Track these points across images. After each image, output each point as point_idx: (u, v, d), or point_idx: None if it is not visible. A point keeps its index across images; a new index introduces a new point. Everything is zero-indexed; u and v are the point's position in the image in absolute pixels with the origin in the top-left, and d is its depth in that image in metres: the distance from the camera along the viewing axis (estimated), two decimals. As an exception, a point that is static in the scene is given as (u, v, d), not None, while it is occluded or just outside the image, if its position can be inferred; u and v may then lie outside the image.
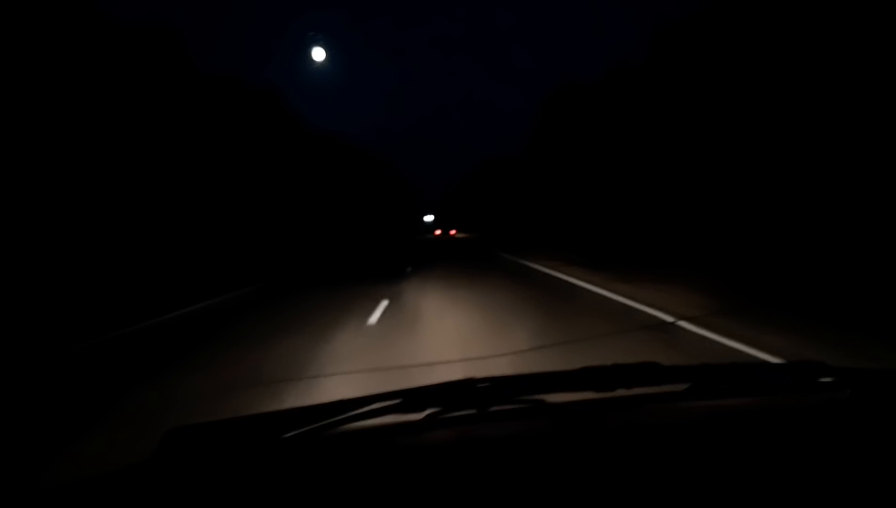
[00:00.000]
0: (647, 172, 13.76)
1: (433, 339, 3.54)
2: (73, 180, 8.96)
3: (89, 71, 9.73)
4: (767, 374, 0.72)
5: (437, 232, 49.65)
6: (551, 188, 23.69)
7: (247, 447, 0.61)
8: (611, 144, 16.26)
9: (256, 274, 10.17)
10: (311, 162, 22.98)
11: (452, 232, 48.72)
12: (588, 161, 18.30)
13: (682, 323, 3.57)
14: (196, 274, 9.53)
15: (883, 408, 0.62)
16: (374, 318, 4.50)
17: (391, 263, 12.51)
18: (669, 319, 3.74)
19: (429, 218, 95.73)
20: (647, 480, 0.51)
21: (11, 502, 0.53)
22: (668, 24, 12.50)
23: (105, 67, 10.18)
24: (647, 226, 13.44)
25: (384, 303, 5.35)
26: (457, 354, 3.05)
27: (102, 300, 6.78)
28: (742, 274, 6.09)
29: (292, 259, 14.11)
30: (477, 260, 12.15)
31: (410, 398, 0.64)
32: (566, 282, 6.59)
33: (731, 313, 3.78)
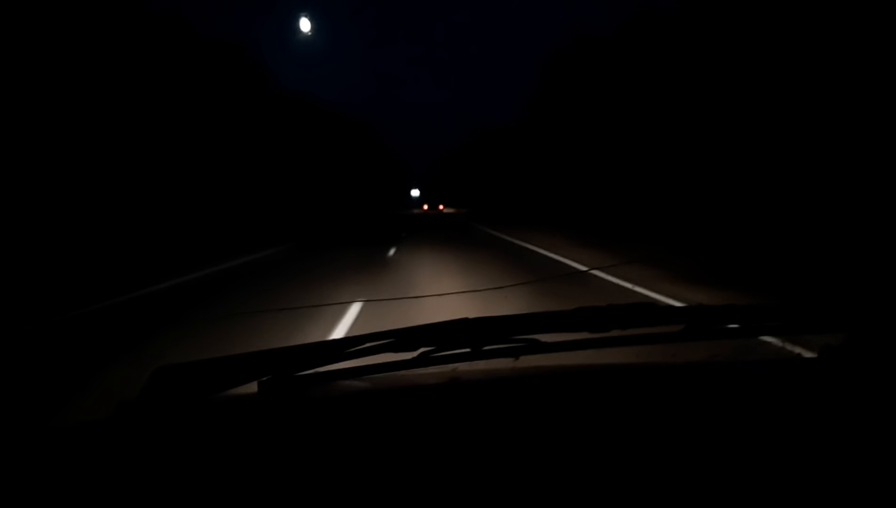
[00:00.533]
0: (663, 144, 13.08)
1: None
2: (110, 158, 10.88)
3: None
4: (764, 315, 0.74)
5: (425, 207, 48.63)
6: (550, 160, 23.43)
7: (237, 386, 0.61)
8: (624, 111, 15.27)
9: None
10: (276, 126, 21.89)
11: (440, 207, 47.79)
12: (597, 128, 17.25)
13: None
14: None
15: (879, 356, 0.64)
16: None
17: (368, 238, 12.39)
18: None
19: (415, 193, 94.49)
20: (637, 417, 0.54)
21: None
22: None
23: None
24: (650, 202, 13.26)
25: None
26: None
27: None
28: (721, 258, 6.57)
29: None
30: (459, 239, 11.82)
31: (403, 337, 0.65)
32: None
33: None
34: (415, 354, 0.66)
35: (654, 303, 0.70)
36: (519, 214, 24.90)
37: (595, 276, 5.28)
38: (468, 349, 0.66)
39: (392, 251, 8.68)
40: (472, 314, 0.68)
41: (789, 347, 1.36)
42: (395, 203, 69.84)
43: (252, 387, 0.62)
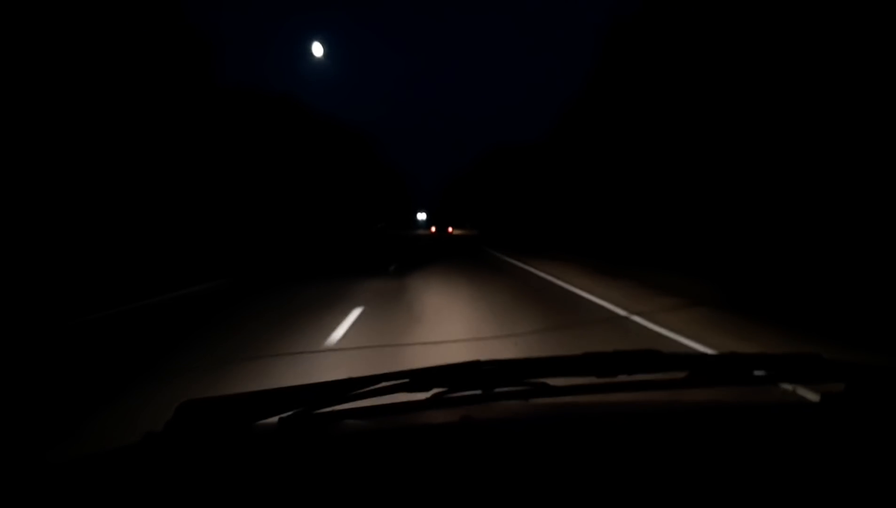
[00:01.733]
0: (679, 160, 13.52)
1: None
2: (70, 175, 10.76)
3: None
4: (765, 364, 0.82)
5: (432, 229, 49.84)
6: (573, 178, 23.48)
7: (257, 421, 0.70)
8: (649, 127, 15.31)
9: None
10: (269, 131, 22.53)
11: (450, 229, 48.81)
12: (624, 145, 17.26)
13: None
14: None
15: (877, 404, 0.72)
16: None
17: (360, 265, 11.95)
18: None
19: (422, 216, 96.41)
20: (646, 464, 0.60)
21: (19, 478, 0.60)
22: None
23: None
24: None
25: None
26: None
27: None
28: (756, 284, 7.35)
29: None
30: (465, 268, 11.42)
31: (417, 377, 0.74)
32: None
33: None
34: (428, 395, 0.77)
35: (659, 350, 0.80)
36: (534, 237, 25.76)
37: (637, 323, 4.99)
38: (480, 392, 0.77)
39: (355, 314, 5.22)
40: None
41: (790, 393, 1.46)
42: (399, 224, 71.48)
43: (273, 423, 0.72)
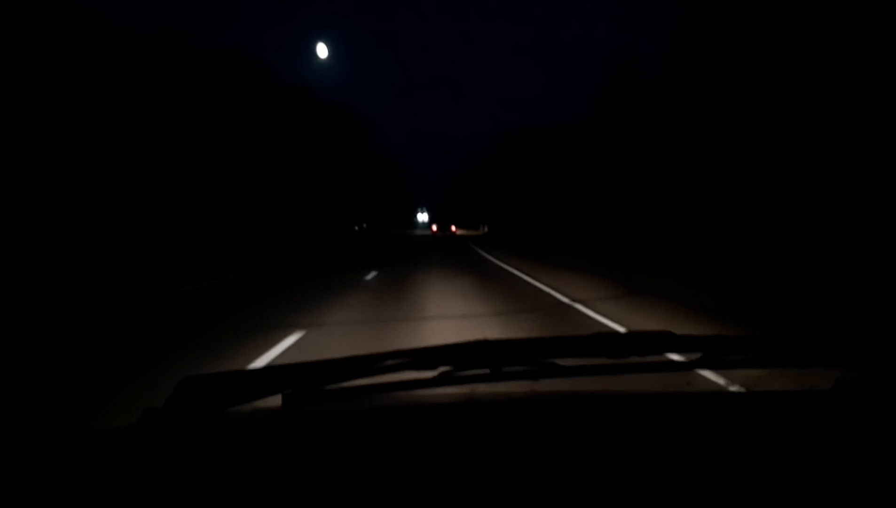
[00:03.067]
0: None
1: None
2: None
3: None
4: (778, 347, 0.90)
5: (434, 228, 51.57)
6: (607, 167, 23.66)
7: (261, 398, 0.76)
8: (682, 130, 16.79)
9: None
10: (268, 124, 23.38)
11: (453, 228, 49.69)
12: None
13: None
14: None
15: (891, 388, 0.77)
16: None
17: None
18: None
19: (422, 217, 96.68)
20: (653, 445, 0.66)
21: (16, 457, 0.67)
22: None
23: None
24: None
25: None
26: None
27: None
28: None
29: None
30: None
31: (424, 356, 0.81)
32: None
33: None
34: (435, 373, 0.83)
35: (672, 332, 0.86)
36: (548, 237, 26.54)
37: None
38: (487, 371, 0.83)
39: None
40: None
41: (803, 379, 1.60)
42: (396, 224, 71.64)
43: (276, 400, 0.78)
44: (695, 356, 0.85)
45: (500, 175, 47.16)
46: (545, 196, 33.73)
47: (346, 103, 40.70)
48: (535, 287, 8.66)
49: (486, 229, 55.32)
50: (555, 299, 7.42)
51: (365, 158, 45.61)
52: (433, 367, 0.81)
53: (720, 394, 0.88)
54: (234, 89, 21.84)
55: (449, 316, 5.96)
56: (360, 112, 47.61)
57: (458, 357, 0.83)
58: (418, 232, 61.68)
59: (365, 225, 48.36)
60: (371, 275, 10.37)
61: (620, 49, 24.73)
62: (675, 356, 0.90)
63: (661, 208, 18.26)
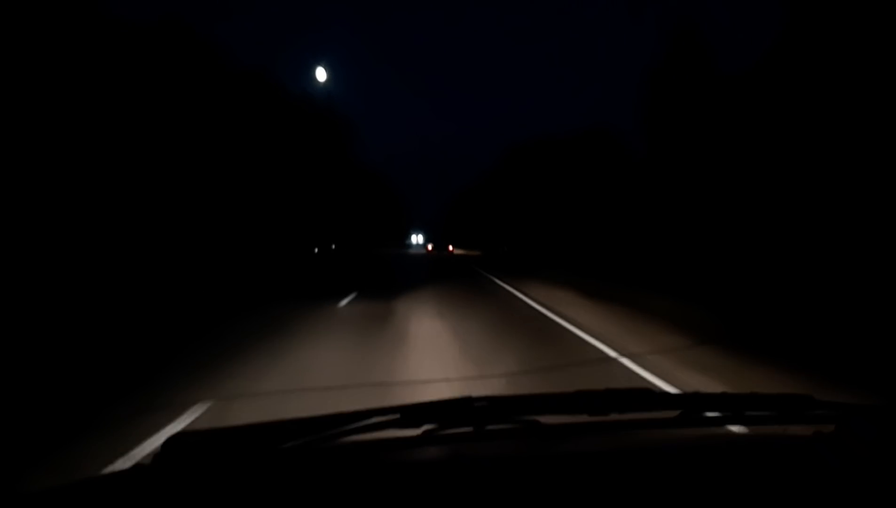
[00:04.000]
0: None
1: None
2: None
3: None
4: (756, 404, 1.02)
5: (429, 247, 55.15)
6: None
7: (246, 456, 0.88)
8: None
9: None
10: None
11: (450, 248, 51.10)
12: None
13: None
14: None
15: (868, 445, 0.89)
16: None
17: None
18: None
19: (417, 238, 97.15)
20: (639, 503, 0.76)
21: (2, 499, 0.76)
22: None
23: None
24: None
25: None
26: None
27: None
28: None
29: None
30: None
31: (408, 413, 0.92)
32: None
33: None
34: (419, 431, 0.95)
35: (651, 389, 0.99)
36: (557, 259, 27.36)
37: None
38: (471, 429, 0.96)
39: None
40: None
41: (781, 433, 1.77)
42: (386, 243, 71.95)
43: (262, 457, 0.89)
44: (673, 413, 0.98)
45: (505, 189, 47.70)
46: (559, 211, 34.11)
47: (323, 101, 37.45)
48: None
49: (478, 251, 55.53)
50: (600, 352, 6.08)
51: (346, 169, 42.80)
52: (417, 425, 0.93)
53: (698, 448, 0.99)
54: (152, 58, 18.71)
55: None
56: (344, 116, 43.82)
57: (442, 415, 0.94)
58: (411, 252, 61.90)
59: (334, 246, 42.89)
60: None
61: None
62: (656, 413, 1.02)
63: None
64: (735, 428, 1.17)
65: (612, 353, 6.02)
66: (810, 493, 0.80)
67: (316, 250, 37.08)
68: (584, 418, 0.95)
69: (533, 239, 38.59)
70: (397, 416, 0.91)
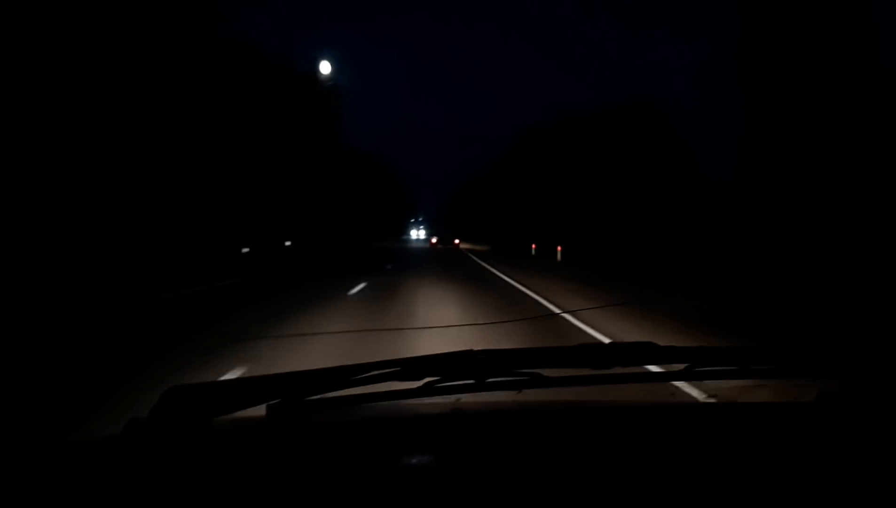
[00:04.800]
0: None
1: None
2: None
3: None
4: (761, 358, 1.13)
5: (434, 240, 56.19)
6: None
7: (246, 408, 0.95)
8: None
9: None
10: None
11: (456, 242, 52.12)
12: None
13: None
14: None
15: (874, 402, 0.98)
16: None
17: None
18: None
19: (418, 233, 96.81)
20: (636, 456, 0.84)
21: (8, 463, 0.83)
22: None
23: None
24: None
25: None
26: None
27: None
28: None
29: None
30: None
31: (409, 366, 1.01)
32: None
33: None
34: (420, 383, 1.03)
35: (656, 343, 1.06)
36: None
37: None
38: (472, 381, 1.04)
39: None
40: None
41: (787, 390, 1.80)
42: (386, 236, 72.05)
43: (261, 410, 0.97)
44: (677, 366, 1.07)
45: (520, 175, 47.36)
46: (589, 199, 33.04)
47: (309, 74, 36.01)
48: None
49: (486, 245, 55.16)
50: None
51: (330, 151, 41.78)
52: (418, 378, 1.01)
53: (702, 405, 1.09)
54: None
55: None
56: (330, 85, 40.65)
57: (443, 368, 1.03)
58: (410, 246, 60.78)
59: (289, 243, 35.83)
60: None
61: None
62: (657, 368, 1.12)
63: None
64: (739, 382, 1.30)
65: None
66: (817, 453, 0.88)
67: (288, 243, 34.59)
68: (586, 370, 1.03)
69: (553, 232, 37.68)
70: (398, 369, 0.99)
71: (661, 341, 1.06)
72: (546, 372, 1.04)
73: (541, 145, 42.69)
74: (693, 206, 24.07)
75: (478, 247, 53.80)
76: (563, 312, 9.62)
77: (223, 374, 5.13)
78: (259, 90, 28.83)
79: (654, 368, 1.22)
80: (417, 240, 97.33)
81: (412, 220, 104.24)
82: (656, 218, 26.26)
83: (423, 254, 36.35)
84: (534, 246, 35.06)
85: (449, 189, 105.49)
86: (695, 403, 1.08)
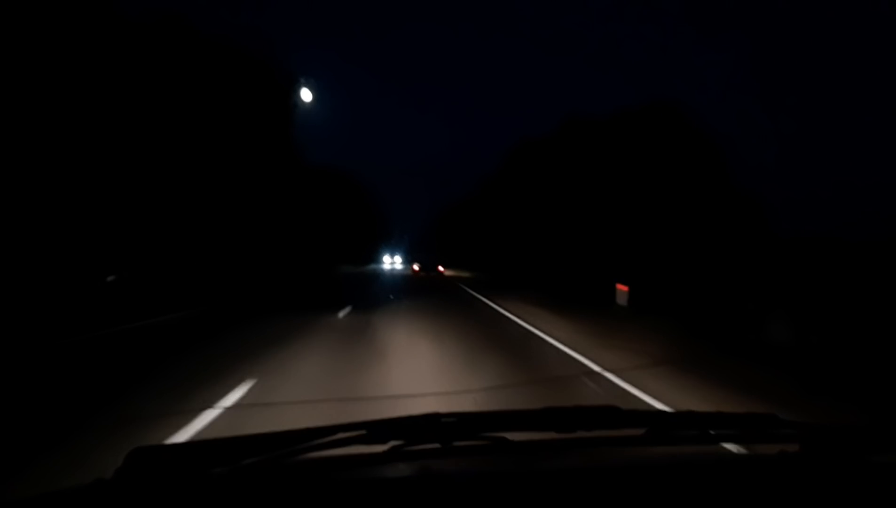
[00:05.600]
0: None
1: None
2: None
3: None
4: (722, 423, 1.31)
5: (416, 268, 56.08)
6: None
7: (209, 470, 1.09)
8: None
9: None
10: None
11: (441, 269, 52.68)
12: None
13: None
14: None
15: (831, 464, 1.16)
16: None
17: None
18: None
19: (393, 259, 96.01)
20: None
21: None
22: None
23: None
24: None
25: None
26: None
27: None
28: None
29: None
30: None
31: (374, 429, 1.15)
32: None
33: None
34: (386, 447, 1.17)
35: (618, 407, 1.22)
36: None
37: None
38: (438, 445, 1.18)
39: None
40: None
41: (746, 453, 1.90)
42: (356, 261, 71.84)
43: (226, 471, 1.09)
44: (640, 431, 1.23)
45: (509, 194, 47.43)
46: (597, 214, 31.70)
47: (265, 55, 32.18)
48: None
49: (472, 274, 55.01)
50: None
51: (292, 172, 39.55)
52: (384, 441, 1.16)
53: (666, 464, 1.25)
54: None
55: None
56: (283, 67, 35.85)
57: (409, 431, 1.18)
58: (383, 277, 57.86)
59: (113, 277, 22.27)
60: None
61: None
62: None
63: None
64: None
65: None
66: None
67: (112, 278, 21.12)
68: (551, 435, 1.19)
69: (546, 256, 36.67)
70: (363, 432, 1.13)
71: None
72: (512, 436, 1.19)
73: (539, 156, 42.04)
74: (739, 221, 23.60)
75: (463, 274, 52.30)
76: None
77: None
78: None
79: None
80: (392, 267, 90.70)
81: (389, 246, 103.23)
82: (701, 238, 24.23)
83: (401, 286, 30.06)
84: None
85: (434, 214, 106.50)
86: (657, 464, 1.23)
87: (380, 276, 47.19)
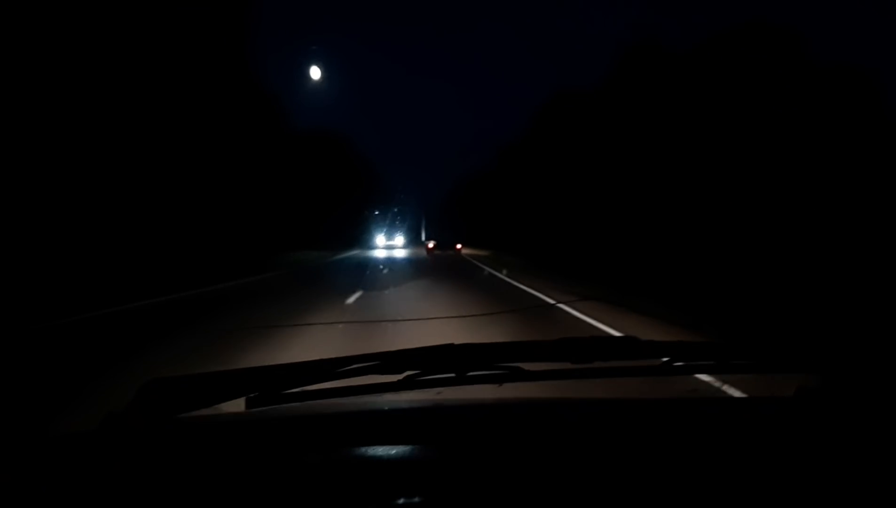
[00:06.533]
0: None
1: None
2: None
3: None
4: (740, 354, 1.42)
5: (430, 245, 55.56)
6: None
7: (224, 401, 1.17)
8: None
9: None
10: None
11: (458, 247, 54.36)
12: None
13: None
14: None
15: (851, 398, 1.27)
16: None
17: None
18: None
19: (393, 240, 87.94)
20: (615, 452, 1.08)
21: None
22: None
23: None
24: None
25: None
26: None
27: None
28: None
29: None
30: None
31: (389, 360, 1.26)
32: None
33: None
34: (400, 377, 1.29)
35: (636, 337, 1.34)
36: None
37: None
38: (453, 375, 1.30)
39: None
40: None
41: (766, 385, 2.05)
42: (350, 243, 69.84)
43: (240, 403, 1.18)
44: (658, 361, 1.37)
45: (534, 162, 47.08)
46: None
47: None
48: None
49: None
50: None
51: (276, 142, 39.52)
52: (399, 371, 1.27)
53: (683, 400, 1.34)
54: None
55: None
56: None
57: (424, 361, 1.30)
58: (379, 253, 52.50)
59: None
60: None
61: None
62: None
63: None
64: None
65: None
66: (794, 449, 1.11)
67: None
68: (566, 365, 1.30)
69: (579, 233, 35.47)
70: (378, 362, 1.24)
71: None
72: (526, 366, 1.30)
73: (581, 111, 39.28)
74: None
75: (482, 253, 50.03)
76: None
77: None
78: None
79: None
80: (388, 247, 74.43)
81: (382, 228, 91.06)
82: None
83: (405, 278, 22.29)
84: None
85: (450, 188, 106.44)
86: (675, 398, 1.37)
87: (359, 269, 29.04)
